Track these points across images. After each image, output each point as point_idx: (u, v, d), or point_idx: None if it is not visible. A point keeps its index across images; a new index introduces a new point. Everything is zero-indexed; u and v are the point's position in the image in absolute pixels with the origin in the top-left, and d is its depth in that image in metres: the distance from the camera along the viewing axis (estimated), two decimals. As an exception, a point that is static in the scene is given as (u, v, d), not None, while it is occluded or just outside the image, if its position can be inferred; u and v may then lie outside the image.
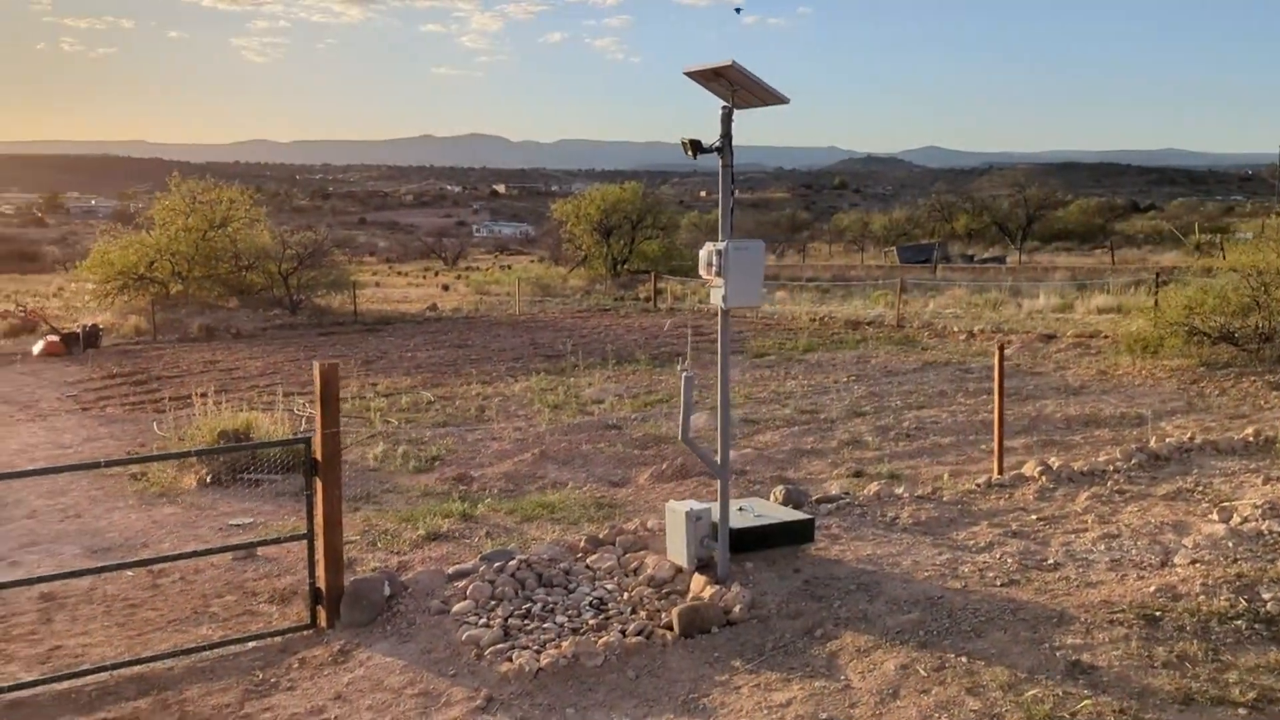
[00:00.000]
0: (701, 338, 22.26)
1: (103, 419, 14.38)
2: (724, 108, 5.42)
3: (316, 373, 5.80)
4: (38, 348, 22.21)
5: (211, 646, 5.63)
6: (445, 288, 41.21)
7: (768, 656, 5.02)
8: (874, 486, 7.92)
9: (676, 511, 5.98)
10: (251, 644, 5.71)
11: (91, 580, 7.05)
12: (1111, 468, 8.46)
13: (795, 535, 6.19)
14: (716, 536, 5.85)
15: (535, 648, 5.16)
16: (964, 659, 4.74)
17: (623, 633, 5.28)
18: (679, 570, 5.99)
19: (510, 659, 5.05)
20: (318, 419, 5.81)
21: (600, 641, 5.14)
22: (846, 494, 7.74)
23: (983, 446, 10.62)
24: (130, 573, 7.21)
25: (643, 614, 5.56)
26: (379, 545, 7.50)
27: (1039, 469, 8.29)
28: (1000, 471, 8.44)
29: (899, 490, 7.91)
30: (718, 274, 5.43)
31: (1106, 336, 19.04)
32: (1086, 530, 6.71)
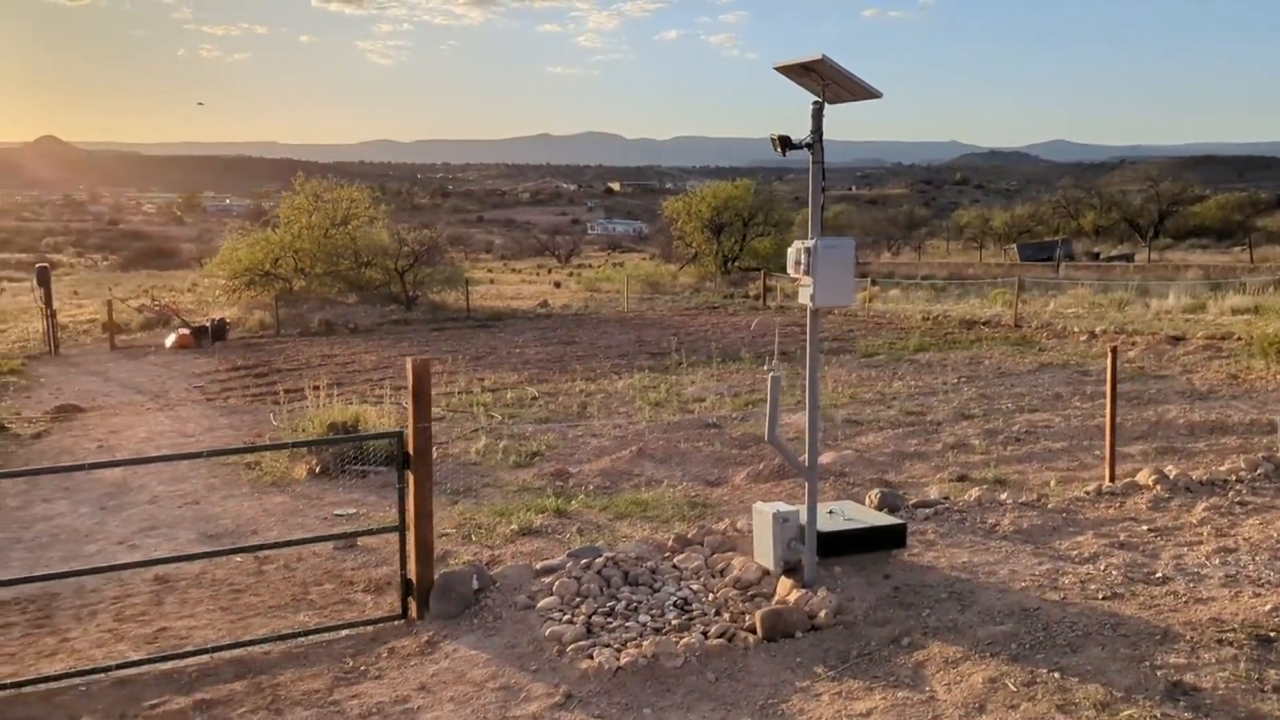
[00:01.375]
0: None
1: (225, 409, 15.01)
2: (815, 103, 5.31)
3: (410, 369, 5.92)
4: (170, 340, 23.35)
5: (306, 633, 5.81)
6: (557, 285, 41.70)
7: (851, 664, 4.91)
8: (975, 492, 7.67)
9: (763, 513, 5.90)
10: (344, 632, 5.86)
11: (202, 565, 7.37)
12: (1234, 477, 8.00)
13: (886, 540, 6.04)
14: (804, 539, 5.75)
15: (616, 646, 5.16)
16: (1057, 674, 4.54)
17: (704, 634, 5.23)
18: (765, 573, 5.91)
19: (591, 656, 5.06)
20: (410, 413, 5.93)
21: (681, 642, 5.10)
22: (945, 499, 7.52)
23: (1096, 453, 10.19)
24: (238, 558, 7.51)
25: (726, 616, 5.51)
26: (473, 539, 7.62)
27: (1154, 477, 7.90)
28: (1112, 479, 8.08)
29: (1002, 496, 7.65)
30: (806, 273, 5.32)
31: (1239, 339, 18.06)
32: (1201, 543, 6.36)
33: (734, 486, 9.37)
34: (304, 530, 8.43)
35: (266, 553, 7.55)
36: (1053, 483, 8.51)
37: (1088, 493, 7.74)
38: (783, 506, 5.89)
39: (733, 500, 8.83)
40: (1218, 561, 5.95)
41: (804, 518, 5.76)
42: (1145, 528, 6.79)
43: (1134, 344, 18.65)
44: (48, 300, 23.16)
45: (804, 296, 5.40)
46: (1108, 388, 8.15)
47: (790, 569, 5.81)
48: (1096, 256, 46.96)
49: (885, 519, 6.19)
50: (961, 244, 69.22)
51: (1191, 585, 5.56)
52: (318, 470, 10.43)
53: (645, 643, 5.10)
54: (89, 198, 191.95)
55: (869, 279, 33.22)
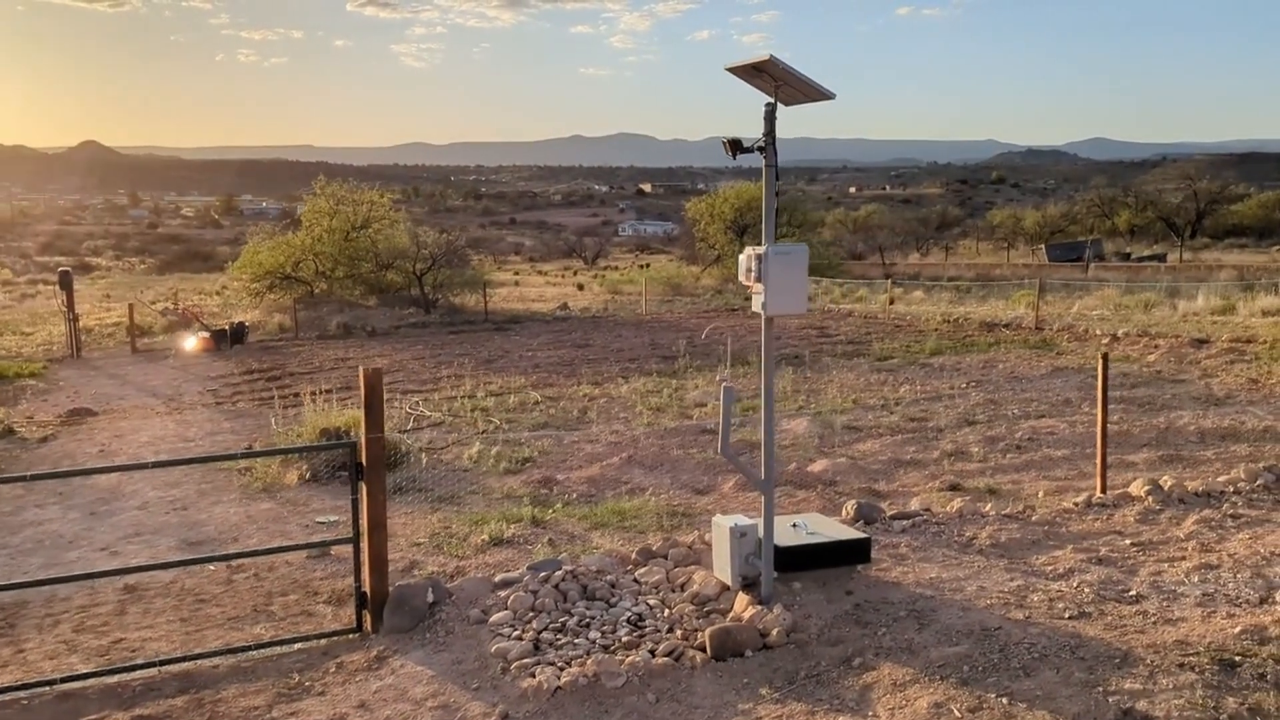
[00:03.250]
0: (828, 339, 21.77)
1: (232, 413, 15.05)
2: (767, 105, 5.16)
3: (361, 379, 5.83)
4: (190, 343, 23.54)
5: (258, 646, 5.73)
6: (580, 287, 41.65)
7: (798, 685, 4.75)
8: (957, 503, 7.46)
9: (721, 526, 5.75)
10: (298, 645, 5.78)
11: (174, 573, 7.33)
12: (1231, 489, 7.73)
13: (850, 555, 5.86)
14: (762, 554, 5.59)
15: (561, 664, 5.03)
16: (1005, 700, 4.35)
17: (652, 653, 5.09)
18: (724, 588, 5.76)
19: (533, 675, 4.94)
20: (363, 424, 5.83)
21: (626, 661, 4.96)
22: (926, 510, 7.32)
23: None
24: (211, 567, 7.46)
25: (678, 633, 5.36)
26: (444, 549, 7.53)
27: (1147, 488, 7.65)
28: (1103, 490, 7.83)
29: (985, 508, 7.44)
30: (757, 280, 5.17)
31: (1264, 341, 17.61)
32: (1184, 559, 6.12)
33: (721, 495, 9.22)
34: (283, 538, 8.39)
35: (240, 561, 7.51)
36: (1041, 494, 8.29)
37: (1076, 504, 7.51)
38: (741, 520, 5.74)
39: (717, 509, 8.67)
40: (1197, 579, 5.72)
41: (763, 531, 5.60)
42: (1129, 542, 6.56)
43: (1156, 347, 18.25)
44: (70, 304, 23.43)
45: (756, 304, 5.24)
46: (1099, 395, 7.89)
47: (749, 584, 5.66)
48: (1127, 257, 46.16)
49: (849, 533, 6.01)
50: (992, 244, 68.46)
51: (1165, 604, 5.34)
52: (308, 476, 10.39)
53: (589, 661, 4.97)
54: (130, 201, 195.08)
55: (891, 280, 32.83)
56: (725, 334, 19.37)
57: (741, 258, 5.24)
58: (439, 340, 23.92)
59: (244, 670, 5.49)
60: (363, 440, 5.82)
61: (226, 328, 24.17)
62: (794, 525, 6.06)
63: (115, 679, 5.38)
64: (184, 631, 6.15)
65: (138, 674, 5.43)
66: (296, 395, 15.12)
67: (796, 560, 5.72)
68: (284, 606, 6.57)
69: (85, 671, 5.44)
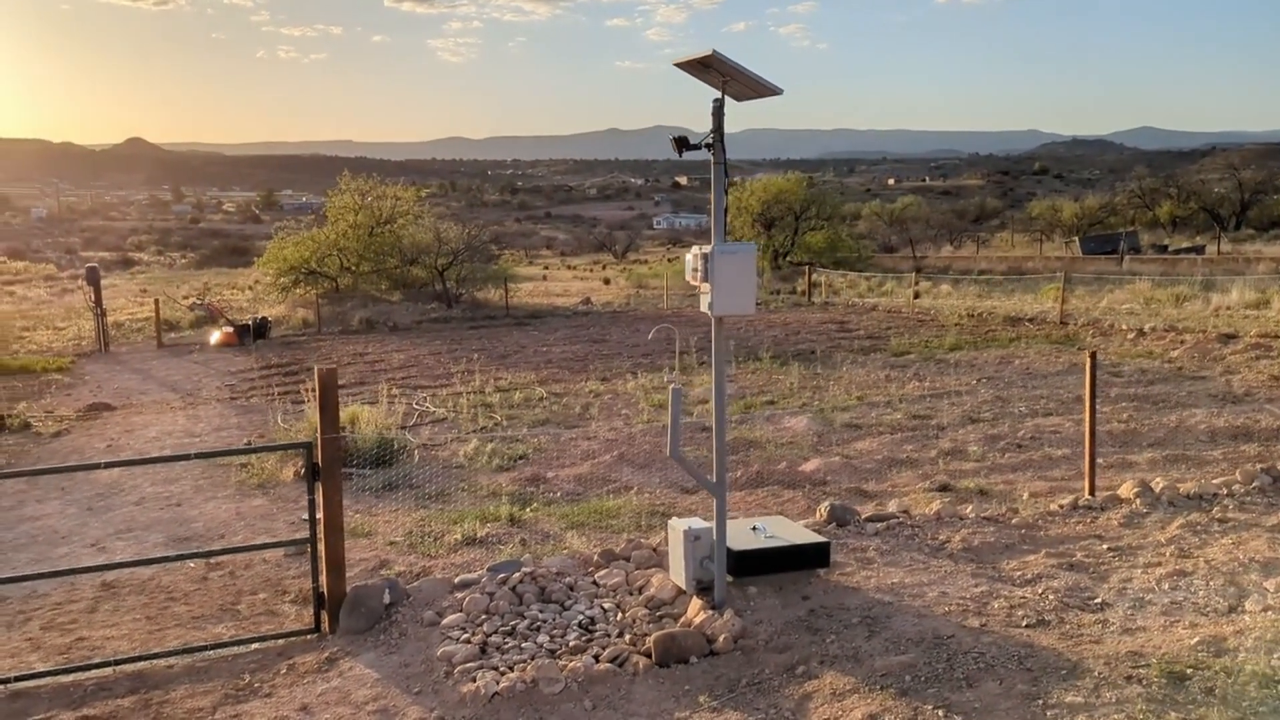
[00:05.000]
0: (847, 334, 21.54)
1: (242, 409, 15.17)
2: (715, 101, 5.06)
3: (316, 380, 5.81)
4: (214, 338, 23.81)
5: (214, 646, 5.73)
6: (606, 281, 41.57)
7: (738, 694, 4.66)
8: (935, 505, 7.32)
9: (675, 529, 5.66)
10: (255, 645, 5.78)
11: (154, 570, 7.38)
12: (1225, 491, 7.51)
13: (809, 559, 5.75)
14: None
15: (503, 668, 4.98)
16: (941, 711, 4.24)
17: (595, 658, 5.03)
18: (680, 592, 5.67)
19: (474, 679, 4.89)
20: (318, 425, 5.82)
21: (567, 667, 4.90)
22: (903, 513, 7.18)
23: (1100, 460, 9.68)
24: (190, 564, 7.51)
25: (627, 638, 5.28)
26: (418, 548, 7.51)
27: (1135, 490, 7.46)
28: (1091, 492, 7.64)
29: (966, 510, 7.29)
30: (704, 280, 5.07)
31: (1292, 336, 17.18)
32: (1159, 565, 5.94)
33: (709, 493, 9.11)
34: (269, 535, 8.43)
35: (219, 559, 7.55)
36: (1025, 495, 8.10)
37: (1061, 506, 7.33)
38: (696, 523, 5.66)
39: (701, 509, 8.57)
40: (1167, 586, 5.55)
41: (716, 535, 5.51)
42: (1106, 546, 6.38)
43: (1181, 342, 17.87)
44: (98, 299, 23.79)
45: (703, 304, 5.15)
46: (1086, 394, 7.70)
47: (704, 588, 5.57)
48: (1164, 249, 45.20)
49: (809, 536, 5.90)
50: (1028, 237, 67.49)
51: (1129, 613, 5.19)
52: (304, 472, 10.43)
53: (529, 666, 4.92)
54: (173, 197, 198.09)
55: (917, 273, 32.43)
56: (674, 332, 19.18)
57: (688, 257, 5.15)
58: (458, 335, 23.98)
59: (198, 670, 5.49)
60: (318, 441, 5.81)
61: (249, 323, 24.40)
62: (754, 528, 5.96)
63: (70, 678, 5.41)
64: (147, 630, 6.17)
65: (92, 673, 5.46)
66: (309, 391, 15.21)
67: (753, 564, 5.63)
68: (251, 605, 6.58)
69: (40, 670, 5.47)
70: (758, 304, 30.04)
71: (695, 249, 5.10)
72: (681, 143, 5.04)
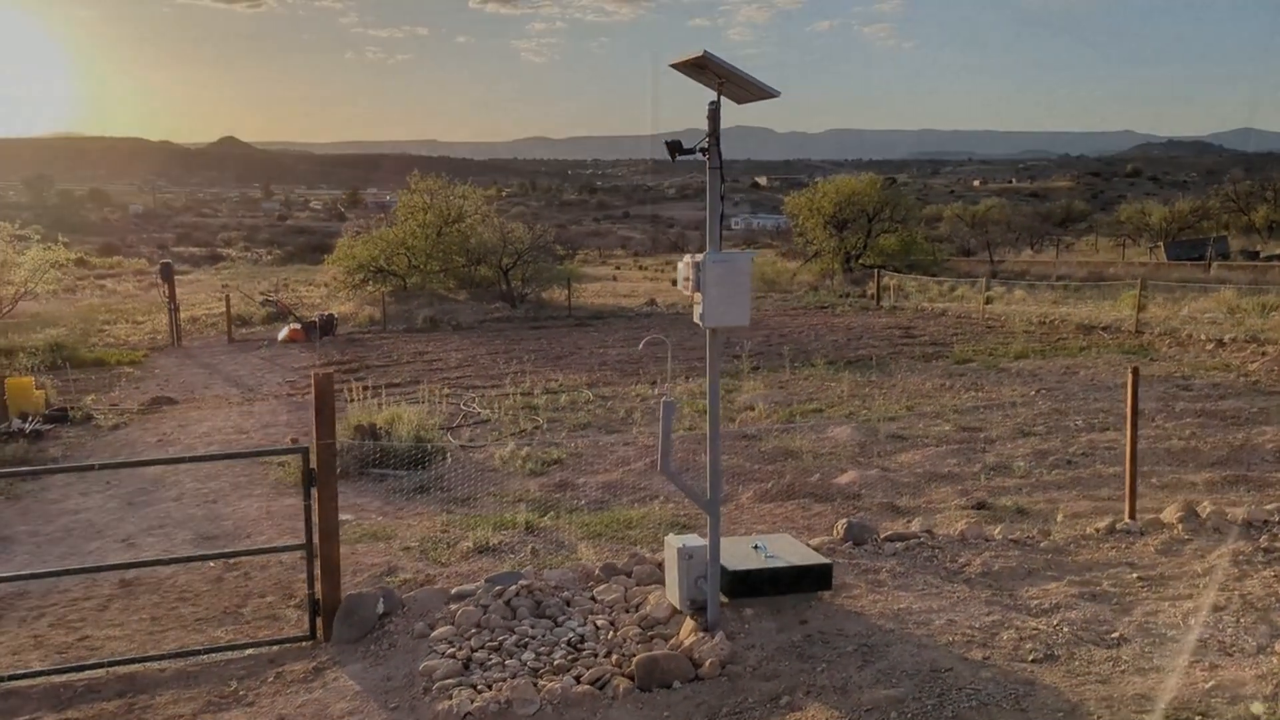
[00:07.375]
0: (910, 341, 21.02)
1: (296, 405, 15.36)
2: (710, 104, 4.86)
3: (313, 384, 5.75)
4: (282, 334, 24.25)
5: (208, 651, 5.72)
6: (674, 282, 41.38)
7: (716, 723, 4.46)
8: (960, 525, 7.00)
9: (671, 546, 5.47)
10: (249, 651, 5.76)
11: (174, 569, 7.44)
12: (1278, 518, 7.05)
13: (810, 581, 5.51)
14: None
15: (482, 686, 4.86)
16: (921, 755, 3.99)
17: (577, 679, 4.87)
18: (675, 612, 5.49)
19: (450, 697, 4.78)
20: (314, 430, 5.77)
21: (545, 688, 4.76)
22: (926, 532, 6.88)
23: (1153, 480, 9.25)
24: (211, 563, 7.55)
25: (614, 659, 5.11)
26: (429, 554, 7.44)
27: (1179, 514, 7.04)
28: (1131, 515, 7.23)
29: (994, 531, 6.94)
30: (696, 289, 4.88)
31: (1382, 350, 16.24)
32: (1189, 598, 5.57)
33: (737, 505, 8.90)
34: (292, 535, 8.45)
35: (237, 559, 7.58)
36: (1061, 517, 7.71)
37: (1097, 530, 6.95)
38: (692, 540, 5.46)
39: (727, 521, 8.37)
40: (1194, 622, 5.19)
41: (728, 553, 5.31)
42: (1136, 575, 6.01)
43: (1262, 355, 17.06)
44: (171, 295, 24.43)
45: (696, 315, 4.96)
46: (1128, 411, 7.30)
47: (699, 609, 5.37)
48: (1255, 255, 43.30)
49: (812, 557, 5.65)
50: (1113, 241, 65.33)
51: (1146, 650, 4.85)
52: (339, 472, 10.47)
53: (505, 686, 4.78)
54: (263, 195, 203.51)
55: (991, 278, 31.58)
56: (666, 344, 18.82)
57: (680, 265, 4.96)
58: (518, 335, 24.04)
59: (188, 675, 5.48)
60: (314, 446, 5.76)
61: (316, 320, 24.79)
62: (755, 546, 5.74)
63: (63, 678, 5.44)
64: (148, 631, 6.20)
65: (85, 675, 5.48)
66: (367, 389, 15.33)
67: (750, 585, 5.41)
68: (255, 609, 6.57)
69: (35, 670, 5.52)
70: (822, 308, 29.62)
71: (687, 257, 4.92)
72: (674, 147, 4.86)
